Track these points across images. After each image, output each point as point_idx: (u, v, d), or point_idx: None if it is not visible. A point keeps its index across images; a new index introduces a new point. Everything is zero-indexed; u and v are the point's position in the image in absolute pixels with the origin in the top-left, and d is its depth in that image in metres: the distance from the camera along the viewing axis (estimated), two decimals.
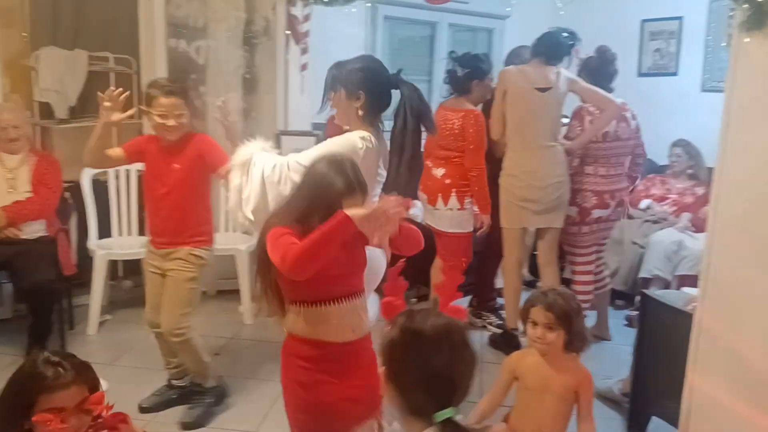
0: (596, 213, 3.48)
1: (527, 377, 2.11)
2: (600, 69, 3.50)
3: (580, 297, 3.56)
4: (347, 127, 2.20)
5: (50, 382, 1.39)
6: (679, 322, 2.34)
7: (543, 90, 3.33)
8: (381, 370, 1.18)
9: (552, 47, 3.37)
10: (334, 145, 2.08)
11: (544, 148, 3.36)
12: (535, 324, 2.03)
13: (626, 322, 4.02)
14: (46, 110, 3.98)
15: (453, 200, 3.42)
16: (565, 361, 2.07)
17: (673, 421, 2.34)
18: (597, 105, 3.40)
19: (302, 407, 1.72)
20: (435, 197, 3.45)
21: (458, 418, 1.13)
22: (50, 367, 1.41)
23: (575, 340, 2.04)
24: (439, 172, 3.45)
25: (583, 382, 2.08)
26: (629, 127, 3.52)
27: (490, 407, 2.16)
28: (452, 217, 3.43)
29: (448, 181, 3.42)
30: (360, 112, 2.13)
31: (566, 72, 3.40)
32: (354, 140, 2.08)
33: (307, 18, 4.14)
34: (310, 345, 1.69)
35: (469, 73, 3.50)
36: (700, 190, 4.26)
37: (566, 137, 3.49)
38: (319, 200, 1.61)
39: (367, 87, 2.13)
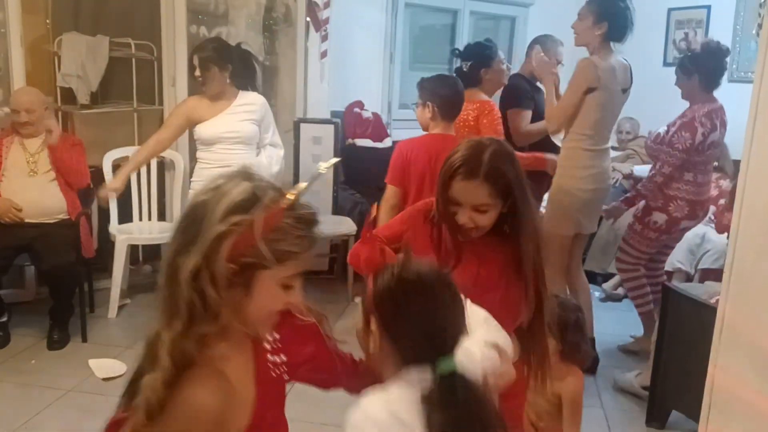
0: (684, 224, 3.26)
1: None
2: (719, 69, 3.28)
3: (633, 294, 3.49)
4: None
5: None
6: (702, 315, 2.30)
7: (624, 91, 3.21)
8: (372, 324, 1.14)
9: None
10: None
11: (609, 150, 3.25)
12: None
13: None
14: (69, 96, 4.01)
15: None
16: (559, 370, 1.97)
17: (694, 415, 2.31)
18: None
19: None
20: None
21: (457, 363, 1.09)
22: None
23: (571, 351, 1.96)
24: None
25: (567, 394, 1.99)
26: (724, 133, 3.31)
27: None
28: None
29: None
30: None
31: None
32: None
33: (327, 5, 4.13)
34: None
35: (474, 64, 3.44)
36: (724, 183, 4.18)
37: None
38: None
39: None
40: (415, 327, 1.10)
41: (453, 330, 1.12)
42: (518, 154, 3.83)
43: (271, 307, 1.05)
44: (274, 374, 1.15)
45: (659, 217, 3.24)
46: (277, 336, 1.17)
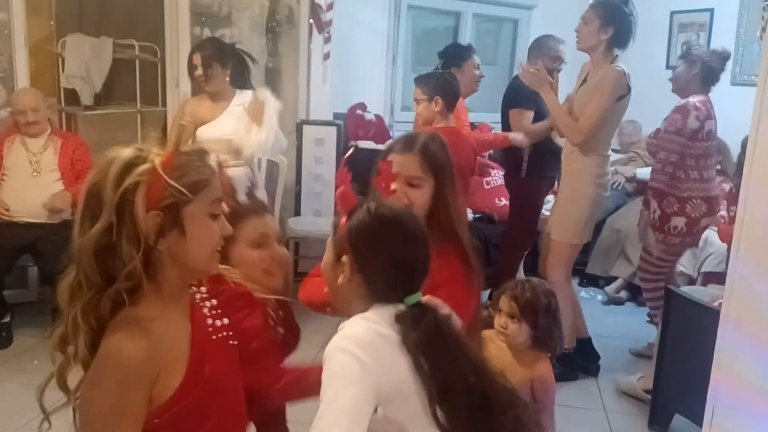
0: (704, 222, 3.17)
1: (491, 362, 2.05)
2: (721, 68, 3.25)
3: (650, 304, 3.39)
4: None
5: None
6: (705, 318, 2.30)
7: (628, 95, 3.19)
8: (344, 258, 1.18)
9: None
10: None
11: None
12: (500, 312, 1.95)
13: (649, 319, 3.97)
14: (72, 97, 4.02)
15: None
16: (530, 357, 1.96)
17: (697, 418, 2.30)
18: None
19: None
20: None
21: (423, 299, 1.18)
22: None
23: (542, 337, 1.94)
24: None
25: (539, 383, 1.95)
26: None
27: None
28: None
29: None
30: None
31: None
32: None
33: (330, 7, 4.13)
34: None
35: (445, 63, 3.48)
36: (727, 186, 4.18)
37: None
38: None
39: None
40: (388, 260, 1.16)
41: (421, 267, 1.19)
42: (479, 135, 3.81)
43: (210, 239, 1.10)
44: (214, 337, 1.18)
45: (679, 221, 3.16)
46: (215, 302, 1.23)
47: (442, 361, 1.11)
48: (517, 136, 3.43)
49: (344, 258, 1.18)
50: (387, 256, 1.16)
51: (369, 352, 1.08)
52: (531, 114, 3.49)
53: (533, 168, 3.54)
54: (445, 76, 3.10)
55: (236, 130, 3.14)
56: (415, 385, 1.11)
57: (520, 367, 1.96)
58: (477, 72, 3.55)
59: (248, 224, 1.47)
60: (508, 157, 3.68)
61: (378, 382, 1.08)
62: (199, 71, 3.14)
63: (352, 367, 1.07)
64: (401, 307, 1.15)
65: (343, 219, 1.21)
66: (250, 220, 1.49)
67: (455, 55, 3.55)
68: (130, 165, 1.03)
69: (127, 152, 1.05)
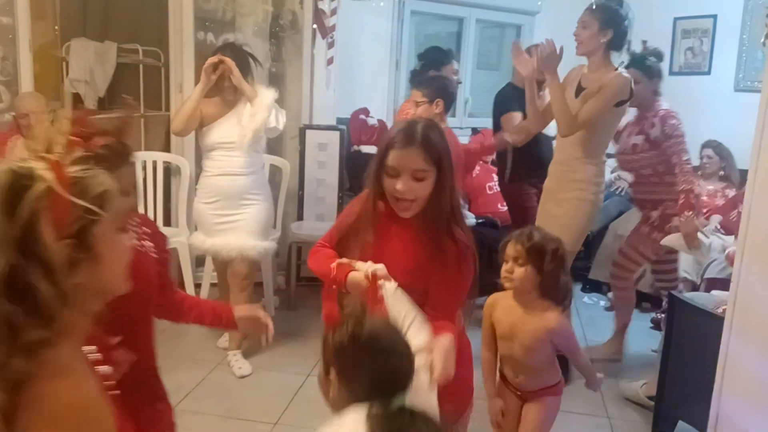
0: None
1: (499, 324, 2.05)
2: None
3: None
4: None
5: None
6: (709, 324, 2.29)
7: None
8: (332, 373, 1.25)
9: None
10: None
11: None
12: (506, 260, 1.95)
13: (652, 325, 3.96)
14: (76, 101, 4.03)
15: None
16: (540, 307, 1.94)
17: (700, 425, 2.29)
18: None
19: None
20: None
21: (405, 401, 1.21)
22: None
23: (549, 284, 1.91)
24: None
25: (557, 338, 1.95)
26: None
27: (491, 356, 2.11)
28: None
29: None
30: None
31: None
32: None
33: (334, 12, 4.14)
34: None
35: (424, 65, 3.49)
36: (730, 193, 4.17)
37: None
38: None
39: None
40: (367, 377, 1.21)
41: (403, 376, 1.24)
42: (468, 145, 3.78)
43: (124, 256, 0.98)
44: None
45: (676, 220, 3.20)
46: (147, 229, 1.40)
47: None
48: (502, 138, 3.44)
49: (331, 373, 1.25)
50: (365, 372, 1.21)
51: None
52: (519, 115, 3.53)
53: (516, 173, 3.59)
54: (445, 79, 3.13)
55: (230, 135, 3.09)
56: None
57: (531, 318, 1.97)
58: (455, 78, 3.53)
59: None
60: (498, 163, 3.75)
61: None
62: (226, 81, 3.07)
63: None
64: (376, 408, 1.18)
65: (329, 336, 1.27)
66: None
67: (435, 59, 3.54)
68: (17, 189, 0.84)
69: (3, 174, 0.85)
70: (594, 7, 2.99)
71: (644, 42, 3.48)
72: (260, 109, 3.05)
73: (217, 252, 3.15)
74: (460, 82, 3.68)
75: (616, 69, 2.96)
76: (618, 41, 2.99)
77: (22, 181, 0.84)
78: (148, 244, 1.51)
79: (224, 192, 3.13)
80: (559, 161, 3.10)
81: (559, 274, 1.95)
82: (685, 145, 3.16)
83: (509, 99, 3.55)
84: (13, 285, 0.83)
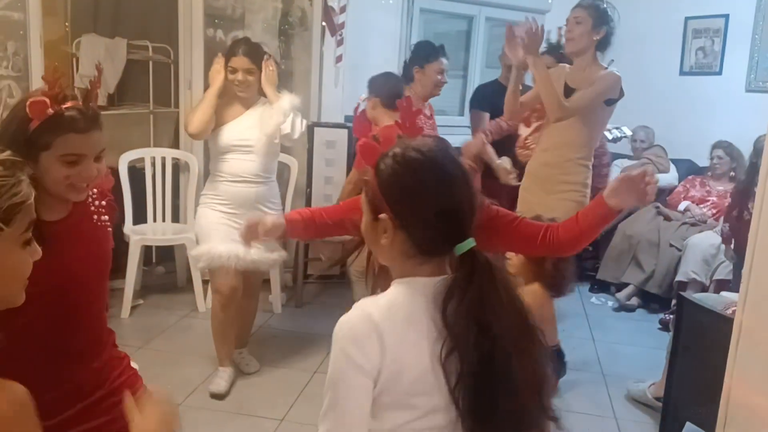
0: None
1: None
2: None
3: None
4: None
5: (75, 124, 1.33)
6: (718, 326, 2.27)
7: None
8: (382, 216, 1.06)
9: None
10: None
11: None
12: None
13: (660, 326, 3.94)
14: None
15: None
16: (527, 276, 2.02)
17: (708, 427, 2.27)
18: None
19: None
20: None
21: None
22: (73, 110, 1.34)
23: (540, 270, 2.01)
24: None
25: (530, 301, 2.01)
26: None
27: None
28: None
29: None
30: None
31: None
32: None
33: (343, 9, 4.14)
34: None
35: (410, 60, 3.46)
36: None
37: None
38: None
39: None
40: (430, 210, 1.03)
41: (468, 209, 1.05)
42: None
43: (23, 273, 0.92)
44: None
45: None
46: (104, 202, 1.52)
47: (491, 328, 1.00)
48: (470, 143, 3.44)
49: (382, 216, 1.06)
50: (427, 205, 1.03)
51: (365, 350, 1.01)
52: (485, 115, 3.51)
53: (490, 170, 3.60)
54: (379, 76, 3.16)
55: (246, 136, 2.90)
56: (429, 363, 1.02)
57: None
58: (439, 77, 3.41)
59: (66, 139, 1.36)
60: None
61: (374, 377, 1.02)
62: (240, 77, 2.86)
63: (346, 372, 1.02)
64: (437, 281, 1.04)
65: (372, 173, 1.09)
66: (69, 136, 1.36)
67: (422, 54, 3.43)
68: None
69: None
70: (586, 3, 2.89)
71: (560, 28, 3.42)
72: (277, 113, 2.87)
73: (230, 259, 2.81)
74: (445, 82, 3.47)
75: (606, 68, 2.90)
76: (606, 41, 2.90)
77: None
78: (104, 218, 1.55)
79: (239, 199, 2.88)
80: (547, 163, 2.98)
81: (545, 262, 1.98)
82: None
83: (482, 97, 3.55)
84: None
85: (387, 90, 3.03)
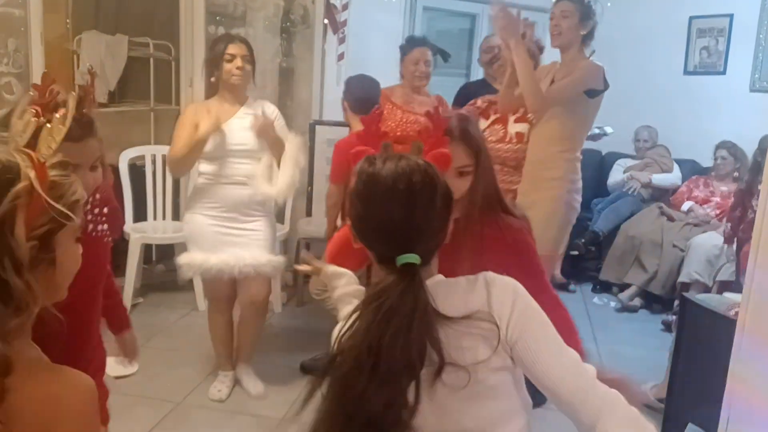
0: None
1: None
2: None
3: None
4: None
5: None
6: (721, 327, 2.25)
7: None
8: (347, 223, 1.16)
9: None
10: None
11: None
12: None
13: (662, 327, 3.92)
14: None
15: None
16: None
17: (711, 428, 2.25)
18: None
19: None
20: None
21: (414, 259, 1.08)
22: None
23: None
24: None
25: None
26: None
27: None
28: None
29: None
30: None
31: None
32: None
33: (345, 7, 4.13)
34: None
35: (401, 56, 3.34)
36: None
37: None
38: None
39: None
40: (375, 225, 1.11)
41: (424, 227, 1.10)
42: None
43: (75, 266, 0.99)
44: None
45: None
46: (105, 210, 1.46)
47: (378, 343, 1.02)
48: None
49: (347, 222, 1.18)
50: (373, 217, 1.11)
51: None
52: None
53: None
54: (353, 78, 3.14)
55: (241, 139, 2.75)
56: None
57: None
58: (412, 67, 3.28)
59: (60, 147, 1.27)
60: None
61: None
62: (239, 63, 2.72)
63: None
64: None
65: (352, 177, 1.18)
66: (62, 146, 1.26)
67: (401, 49, 3.35)
68: (1, 182, 0.85)
69: None
70: None
71: None
72: (289, 169, 2.73)
73: (223, 270, 2.70)
74: (423, 72, 3.29)
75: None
76: (591, 36, 2.84)
77: (6, 174, 0.86)
78: (103, 227, 1.52)
79: (231, 201, 2.75)
80: (533, 161, 2.92)
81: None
82: None
83: (465, 95, 3.53)
84: None
85: (355, 93, 2.98)
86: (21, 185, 0.86)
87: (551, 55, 3.14)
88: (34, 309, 0.89)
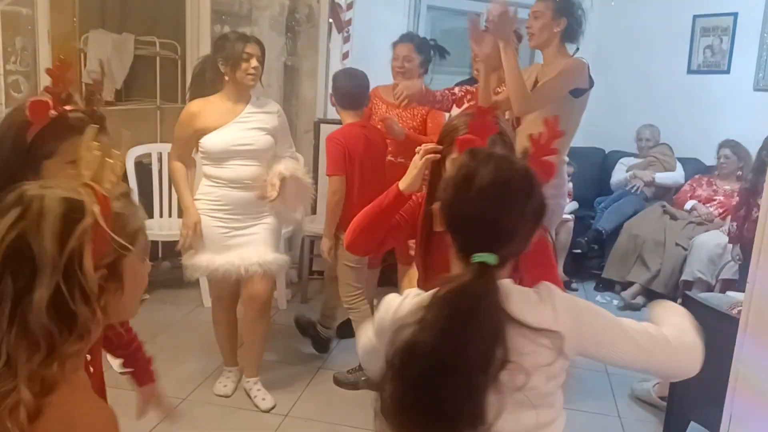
0: None
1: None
2: None
3: None
4: None
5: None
6: (723, 326, 2.27)
7: None
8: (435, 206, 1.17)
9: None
10: None
11: None
12: None
13: None
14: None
15: None
16: None
17: (713, 427, 2.27)
18: None
19: None
20: None
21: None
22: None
23: None
24: None
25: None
26: None
27: None
28: None
29: None
30: None
31: None
32: None
33: (350, 6, 4.15)
34: None
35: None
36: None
37: None
38: None
39: None
40: (460, 217, 1.11)
41: (511, 230, 1.10)
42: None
43: (142, 287, 1.06)
44: None
45: None
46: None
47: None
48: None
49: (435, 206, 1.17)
50: (459, 210, 1.12)
51: None
52: (441, 115, 3.45)
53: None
54: (339, 72, 3.19)
55: (245, 140, 2.72)
56: None
57: None
58: (393, 63, 3.35)
59: (71, 143, 1.31)
60: None
61: None
62: (255, 63, 2.69)
63: None
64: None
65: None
66: (75, 139, 1.26)
67: (392, 44, 3.41)
68: (69, 220, 0.90)
69: (58, 202, 0.91)
70: None
71: None
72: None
73: (230, 271, 2.69)
74: (399, 68, 3.33)
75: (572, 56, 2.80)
76: (572, 31, 2.80)
77: (73, 214, 0.91)
78: None
79: (240, 203, 2.74)
80: None
81: None
82: None
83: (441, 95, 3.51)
84: (56, 306, 0.89)
85: (341, 88, 3.04)
86: (86, 222, 0.91)
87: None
88: (96, 335, 0.95)
